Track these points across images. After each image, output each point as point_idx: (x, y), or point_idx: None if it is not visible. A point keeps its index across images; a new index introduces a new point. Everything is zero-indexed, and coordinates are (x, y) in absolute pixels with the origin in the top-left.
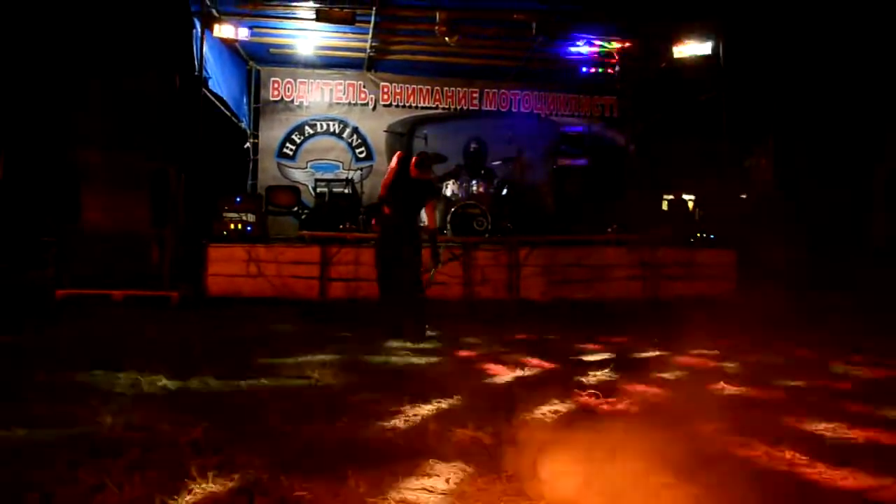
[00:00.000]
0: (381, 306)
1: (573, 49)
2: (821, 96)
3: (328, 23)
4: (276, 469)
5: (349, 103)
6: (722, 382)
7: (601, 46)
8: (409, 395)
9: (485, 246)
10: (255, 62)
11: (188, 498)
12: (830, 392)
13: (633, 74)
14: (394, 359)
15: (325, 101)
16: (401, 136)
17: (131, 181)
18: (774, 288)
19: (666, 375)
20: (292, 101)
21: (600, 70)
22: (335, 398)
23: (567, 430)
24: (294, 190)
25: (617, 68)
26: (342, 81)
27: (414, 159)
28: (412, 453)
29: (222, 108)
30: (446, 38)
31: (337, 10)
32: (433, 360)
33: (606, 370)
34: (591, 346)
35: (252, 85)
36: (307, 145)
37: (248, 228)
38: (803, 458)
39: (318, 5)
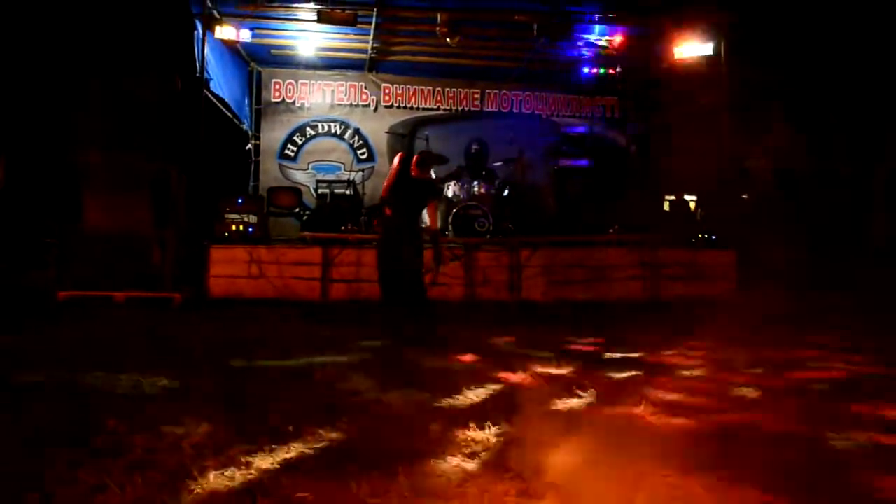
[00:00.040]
0: (382, 307)
1: (574, 50)
2: (821, 96)
3: (329, 24)
4: (278, 469)
5: (350, 104)
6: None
7: (602, 47)
8: (411, 395)
9: (486, 247)
10: (257, 63)
11: (190, 498)
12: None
13: (634, 75)
14: (395, 359)
15: (326, 102)
16: (402, 138)
17: (132, 182)
18: (774, 288)
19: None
20: (294, 103)
21: (601, 71)
22: (336, 398)
23: (571, 431)
24: (296, 191)
25: (618, 69)
26: (343, 83)
27: (415, 158)
28: (414, 453)
29: (224, 109)
30: (447, 40)
31: (338, 11)
32: (435, 360)
33: (612, 370)
34: (594, 347)
35: (253, 86)
36: (308, 146)
37: (250, 230)
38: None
39: (319, 6)
